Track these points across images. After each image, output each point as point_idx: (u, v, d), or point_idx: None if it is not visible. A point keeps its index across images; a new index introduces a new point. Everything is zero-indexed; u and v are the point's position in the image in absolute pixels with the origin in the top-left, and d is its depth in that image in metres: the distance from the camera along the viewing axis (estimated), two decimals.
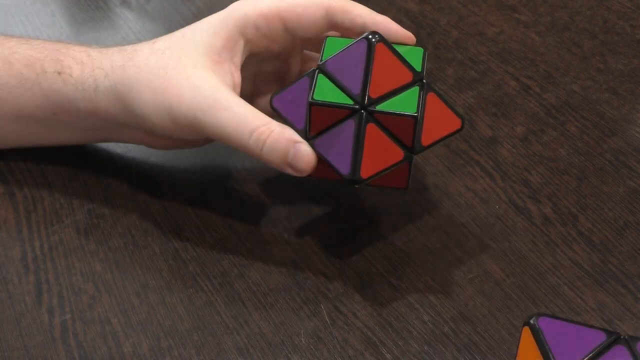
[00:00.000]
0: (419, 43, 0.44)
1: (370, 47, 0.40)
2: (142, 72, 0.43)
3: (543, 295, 0.43)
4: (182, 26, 0.46)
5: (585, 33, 0.63)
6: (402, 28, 0.43)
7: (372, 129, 0.40)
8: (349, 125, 0.40)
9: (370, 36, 0.40)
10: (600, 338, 0.32)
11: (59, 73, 0.45)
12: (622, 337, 0.32)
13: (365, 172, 0.40)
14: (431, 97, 0.41)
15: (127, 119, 0.45)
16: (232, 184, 0.50)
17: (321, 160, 0.41)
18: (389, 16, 0.44)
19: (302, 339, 0.41)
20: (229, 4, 0.45)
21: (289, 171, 0.41)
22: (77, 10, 0.67)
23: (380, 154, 0.40)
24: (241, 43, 0.44)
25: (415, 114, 0.39)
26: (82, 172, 0.50)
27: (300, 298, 0.43)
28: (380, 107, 0.40)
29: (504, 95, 0.57)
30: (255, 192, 0.49)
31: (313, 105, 0.40)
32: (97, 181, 0.50)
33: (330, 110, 0.40)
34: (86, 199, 0.49)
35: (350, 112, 0.40)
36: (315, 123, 0.40)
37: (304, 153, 0.40)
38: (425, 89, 0.41)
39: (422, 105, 0.40)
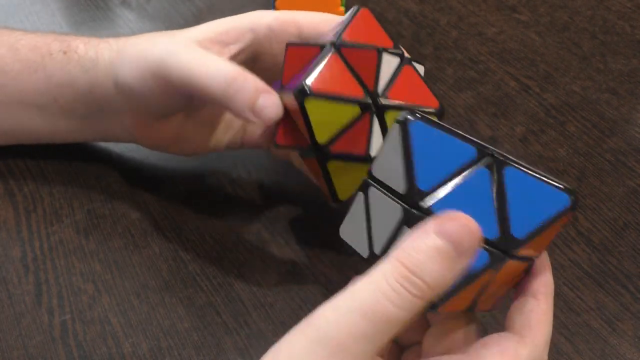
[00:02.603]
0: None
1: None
2: (135, 45, 0.44)
3: None
4: (182, 26, 0.46)
5: (585, 33, 0.63)
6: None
7: (335, 59, 0.39)
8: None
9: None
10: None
11: (65, 52, 0.46)
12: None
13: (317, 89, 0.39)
14: (408, 69, 0.40)
15: (116, 95, 0.45)
16: (232, 184, 0.50)
17: (288, 122, 0.40)
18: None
19: None
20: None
21: (252, 119, 0.40)
22: (77, 10, 0.67)
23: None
24: (248, 36, 0.44)
25: (379, 48, 0.39)
26: (82, 172, 0.50)
27: (300, 298, 0.43)
28: (334, 150, 0.39)
29: (503, 95, 0.57)
30: (255, 193, 0.49)
31: (289, 45, 0.41)
32: (97, 181, 0.50)
33: (305, 49, 0.40)
34: (86, 199, 0.49)
35: (320, 49, 0.40)
36: (288, 66, 0.41)
37: (272, 101, 0.40)
38: (380, 110, 0.40)
39: (380, 128, 0.39)
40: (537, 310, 0.32)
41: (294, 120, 0.40)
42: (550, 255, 0.45)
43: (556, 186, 0.30)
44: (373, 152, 0.39)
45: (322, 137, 0.39)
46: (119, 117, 0.47)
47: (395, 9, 0.66)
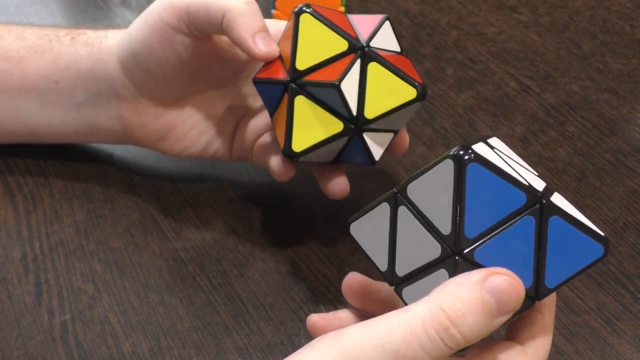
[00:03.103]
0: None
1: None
2: (145, 11, 0.45)
3: None
4: None
5: (585, 33, 0.63)
6: None
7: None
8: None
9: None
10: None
11: (73, 38, 0.48)
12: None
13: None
14: (374, 67, 0.39)
15: (119, 72, 0.45)
16: (232, 184, 0.50)
17: (272, 64, 0.41)
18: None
19: (302, 339, 0.41)
20: None
21: (250, 45, 0.40)
22: (77, 10, 0.67)
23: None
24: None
25: (335, 82, 0.38)
26: (82, 172, 0.51)
27: (300, 298, 0.43)
28: (307, 79, 0.39)
29: (503, 95, 0.57)
30: (255, 193, 0.49)
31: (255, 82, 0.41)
32: (97, 181, 0.50)
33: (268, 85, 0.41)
34: (86, 199, 0.49)
35: (284, 87, 0.40)
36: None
37: (271, 39, 0.41)
38: (366, 59, 0.39)
39: (359, 75, 0.39)
40: (540, 323, 0.32)
41: (278, 63, 0.41)
42: None
43: (593, 236, 0.30)
44: (343, 87, 0.38)
45: (302, 62, 0.39)
46: (115, 103, 0.47)
47: (395, 9, 0.66)
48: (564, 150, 0.52)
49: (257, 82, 0.41)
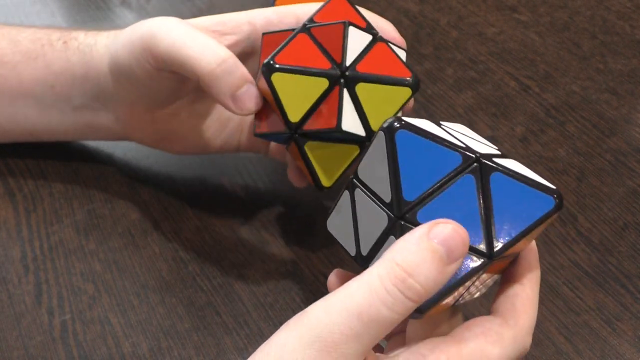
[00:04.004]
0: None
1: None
2: (130, 27, 0.44)
3: (542, 295, 0.43)
4: None
5: (584, 33, 0.63)
6: (399, 35, 0.42)
7: (303, 37, 0.39)
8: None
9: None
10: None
11: (65, 42, 0.47)
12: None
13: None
14: (361, 87, 0.38)
15: (110, 79, 0.45)
16: (232, 184, 0.50)
17: (266, 110, 0.40)
18: (388, 16, 0.44)
19: None
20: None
21: (230, 105, 0.40)
22: (77, 10, 0.67)
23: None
24: (246, 29, 0.43)
25: (335, 128, 0.38)
26: (82, 172, 0.51)
27: (300, 298, 0.43)
28: (306, 128, 0.39)
29: (503, 95, 0.57)
30: (255, 193, 0.49)
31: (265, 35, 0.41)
32: (97, 181, 0.50)
33: (279, 35, 0.40)
34: (86, 199, 0.49)
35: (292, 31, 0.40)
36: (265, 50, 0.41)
37: (253, 92, 0.40)
38: (350, 84, 0.38)
39: (352, 102, 0.39)
40: (522, 294, 0.32)
41: (271, 109, 0.40)
42: (550, 255, 0.45)
43: (541, 189, 0.30)
44: (344, 126, 0.38)
45: (293, 115, 0.39)
46: (112, 106, 0.46)
47: (395, 9, 0.66)
48: (564, 150, 0.52)
49: (260, 136, 0.41)
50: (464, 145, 0.31)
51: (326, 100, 0.38)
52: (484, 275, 0.32)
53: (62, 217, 0.48)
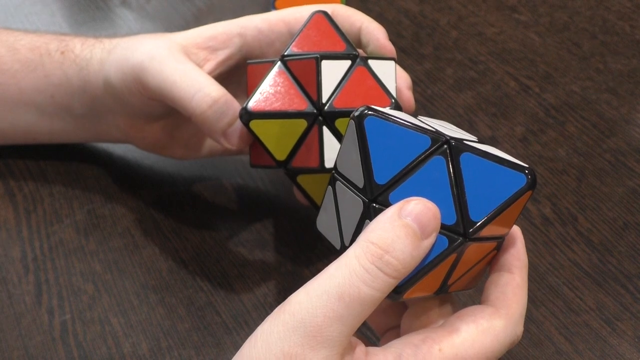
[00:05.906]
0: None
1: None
2: (123, 47, 0.44)
3: (542, 295, 0.43)
4: (182, 26, 0.46)
5: (584, 33, 0.63)
6: (389, 43, 0.42)
7: (280, 74, 0.39)
8: None
9: None
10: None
11: (62, 52, 0.47)
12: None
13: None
14: (341, 122, 0.39)
15: (106, 94, 0.45)
16: (232, 185, 0.50)
17: (257, 144, 0.41)
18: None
19: None
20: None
21: (222, 142, 0.41)
22: (77, 10, 0.67)
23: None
24: (237, 41, 0.43)
25: (319, 167, 0.39)
26: (82, 172, 0.51)
27: None
28: (295, 166, 0.40)
29: (503, 95, 0.57)
30: (255, 193, 0.49)
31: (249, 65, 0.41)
32: (97, 181, 0.50)
33: (262, 66, 0.41)
34: (86, 199, 0.49)
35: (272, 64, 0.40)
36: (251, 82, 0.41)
37: (245, 130, 0.40)
38: (328, 120, 0.39)
39: (333, 137, 0.39)
40: (512, 283, 0.33)
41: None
42: (550, 255, 0.45)
43: (512, 167, 0.31)
44: (328, 164, 0.39)
45: (279, 154, 0.40)
46: (112, 117, 0.47)
47: (395, 9, 0.66)
48: (564, 150, 0.52)
49: (256, 167, 0.42)
50: (433, 130, 0.31)
51: (308, 138, 0.39)
52: (469, 263, 0.32)
53: (62, 217, 0.48)
